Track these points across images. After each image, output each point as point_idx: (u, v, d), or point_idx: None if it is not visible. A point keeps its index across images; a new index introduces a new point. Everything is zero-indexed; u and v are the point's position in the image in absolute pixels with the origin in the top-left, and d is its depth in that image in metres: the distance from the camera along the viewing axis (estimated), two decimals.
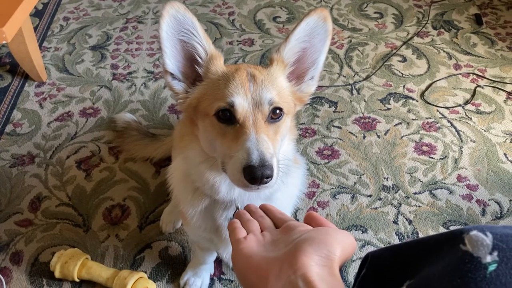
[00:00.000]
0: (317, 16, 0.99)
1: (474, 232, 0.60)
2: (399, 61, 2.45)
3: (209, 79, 1.01)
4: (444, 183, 1.82)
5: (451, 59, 2.46)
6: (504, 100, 2.20)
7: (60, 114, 2.12)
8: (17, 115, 2.11)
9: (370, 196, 1.77)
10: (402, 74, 2.37)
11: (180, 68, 1.03)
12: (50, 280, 1.49)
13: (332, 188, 1.80)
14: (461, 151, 1.95)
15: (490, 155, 1.93)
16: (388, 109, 2.16)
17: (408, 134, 2.03)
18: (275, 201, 1.06)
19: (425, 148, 1.97)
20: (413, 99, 2.22)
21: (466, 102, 2.20)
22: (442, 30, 2.67)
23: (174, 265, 1.55)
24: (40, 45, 2.51)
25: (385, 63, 2.42)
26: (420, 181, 1.83)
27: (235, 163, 0.87)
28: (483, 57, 2.46)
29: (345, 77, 2.35)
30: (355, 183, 1.82)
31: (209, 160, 1.00)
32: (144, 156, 1.86)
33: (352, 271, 1.52)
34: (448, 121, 2.09)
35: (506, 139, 2.00)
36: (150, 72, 2.37)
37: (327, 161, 1.91)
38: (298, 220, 0.79)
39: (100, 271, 1.45)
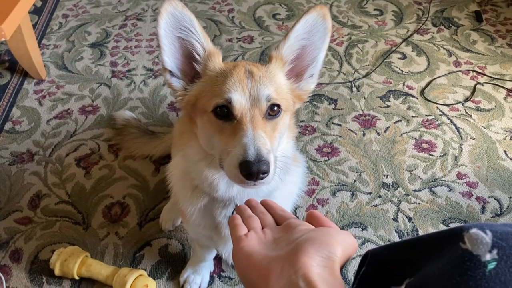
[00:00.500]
0: (316, 13, 0.99)
1: (473, 230, 0.60)
2: (399, 58, 2.45)
3: (207, 76, 1.01)
4: (444, 180, 1.82)
5: (451, 56, 2.45)
6: (504, 97, 2.20)
7: (59, 111, 2.12)
8: (16, 113, 2.11)
9: (370, 193, 1.77)
10: (402, 71, 2.36)
11: (178, 65, 1.02)
12: (50, 277, 1.49)
13: (332, 186, 1.79)
14: (461, 148, 1.95)
15: (490, 152, 1.93)
16: (388, 106, 2.16)
17: (408, 132, 2.03)
18: (274, 199, 1.06)
19: (425, 145, 1.96)
20: (413, 96, 2.21)
21: (466, 99, 2.19)
22: (442, 27, 2.67)
23: (174, 262, 1.55)
24: (39, 43, 2.51)
25: (385, 60, 2.42)
26: (420, 179, 1.83)
27: (231, 158, 0.87)
28: (483, 54, 2.46)
29: (344, 74, 2.34)
30: (354, 181, 1.82)
31: (208, 158, 1.00)
32: (144, 153, 1.86)
33: (352, 269, 1.52)
34: (448, 118, 2.09)
35: (506, 136, 2.00)
36: (150, 69, 2.37)
37: (327, 158, 1.91)
38: (298, 218, 0.79)
39: (99, 269, 1.45)
